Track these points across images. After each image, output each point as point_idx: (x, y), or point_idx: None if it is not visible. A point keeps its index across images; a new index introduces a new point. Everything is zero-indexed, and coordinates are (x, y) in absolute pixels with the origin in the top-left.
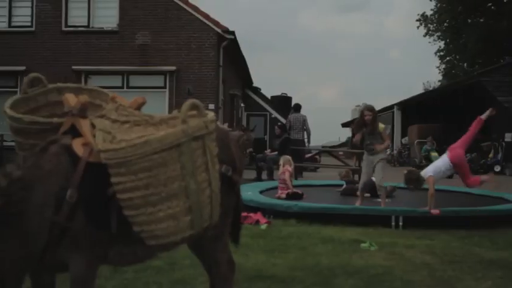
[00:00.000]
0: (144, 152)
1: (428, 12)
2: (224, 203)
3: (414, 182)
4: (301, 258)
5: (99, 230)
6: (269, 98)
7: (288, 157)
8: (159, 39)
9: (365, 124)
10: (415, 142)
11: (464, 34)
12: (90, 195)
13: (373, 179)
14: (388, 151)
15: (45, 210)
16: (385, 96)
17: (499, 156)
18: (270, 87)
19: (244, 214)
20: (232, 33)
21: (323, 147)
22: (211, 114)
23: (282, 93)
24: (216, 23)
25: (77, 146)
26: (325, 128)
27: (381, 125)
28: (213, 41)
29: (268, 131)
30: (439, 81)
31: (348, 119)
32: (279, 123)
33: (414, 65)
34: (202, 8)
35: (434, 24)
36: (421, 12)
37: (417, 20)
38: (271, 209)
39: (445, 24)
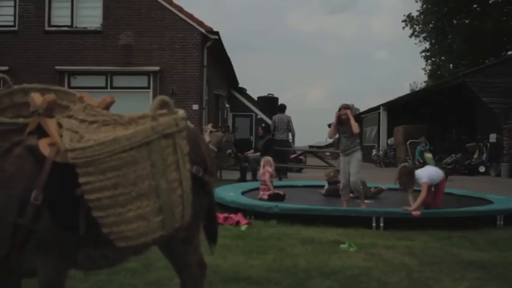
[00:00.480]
0: (113, 150)
1: (415, 13)
2: (195, 204)
3: (405, 177)
4: (279, 259)
5: (66, 233)
6: (255, 98)
7: (269, 158)
8: (143, 39)
9: (341, 123)
10: (408, 143)
11: (449, 35)
12: (56, 196)
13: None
14: (374, 151)
15: (6, 213)
16: (373, 97)
17: (484, 156)
18: (258, 88)
19: (224, 215)
20: (217, 33)
21: (310, 147)
22: (181, 112)
23: (269, 94)
24: (200, 23)
25: (43, 146)
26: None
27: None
28: (197, 41)
29: (254, 132)
30: (425, 82)
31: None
32: (262, 124)
33: (401, 66)
34: (189, 8)
35: (420, 25)
36: (408, 13)
37: (403, 21)
38: (252, 210)
39: (431, 25)
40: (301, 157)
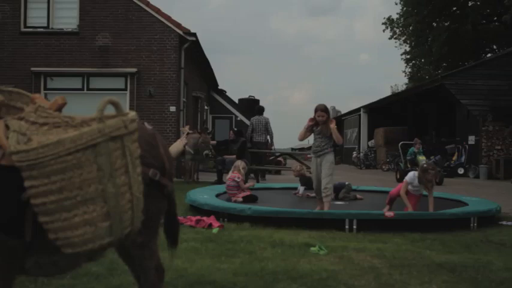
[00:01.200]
0: (57, 153)
1: (395, 16)
2: (152, 208)
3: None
4: (247, 262)
5: (11, 239)
6: (236, 100)
7: (239, 163)
8: (120, 40)
9: (317, 124)
10: (400, 144)
11: (429, 37)
12: (1, 201)
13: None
14: (355, 153)
15: None
16: (355, 99)
17: (463, 158)
18: (242, 90)
19: (197, 218)
20: (194, 35)
21: (292, 149)
22: (132, 114)
23: (250, 96)
24: (178, 25)
25: None
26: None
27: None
28: (175, 42)
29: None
30: (405, 84)
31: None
32: (234, 128)
33: (383, 69)
34: (172, 12)
35: (400, 28)
36: (388, 16)
37: (383, 24)
38: (225, 213)
39: (411, 27)
40: (281, 159)
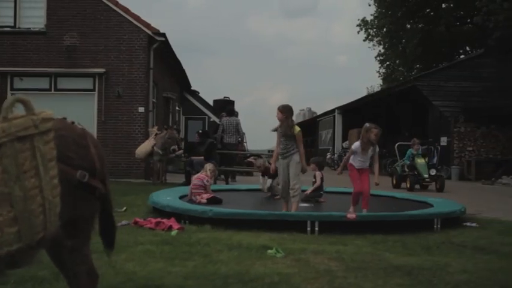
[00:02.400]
0: None
1: (369, 18)
2: (81, 211)
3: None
4: (201, 266)
5: None
6: (211, 101)
7: (210, 165)
8: (88, 40)
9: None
10: (396, 145)
11: (403, 39)
12: None
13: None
14: (329, 155)
15: None
16: (333, 99)
17: (435, 159)
18: (220, 91)
19: (157, 220)
20: (163, 35)
21: (269, 151)
22: (45, 113)
23: (225, 97)
24: (147, 25)
25: None
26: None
27: (297, 128)
28: (143, 43)
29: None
30: (380, 85)
31: None
32: (199, 130)
33: (360, 70)
34: (148, 12)
35: (374, 29)
36: (362, 17)
37: (357, 25)
38: (186, 215)
39: (384, 29)
40: (252, 160)
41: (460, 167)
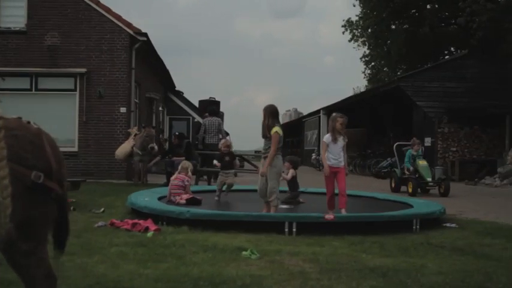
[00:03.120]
0: None
1: (354, 18)
2: (36, 213)
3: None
4: (173, 268)
5: None
6: (196, 101)
7: (188, 163)
8: (69, 40)
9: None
10: (394, 146)
11: (388, 40)
12: None
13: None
14: (314, 155)
15: None
16: (320, 100)
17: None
18: (207, 91)
19: (134, 221)
20: (145, 35)
21: (256, 152)
22: None
23: (210, 98)
24: (128, 25)
25: None
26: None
27: (274, 129)
28: (125, 42)
29: (191, 135)
30: (365, 86)
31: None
32: (176, 133)
33: (346, 71)
34: (135, 13)
35: (359, 30)
36: (347, 18)
37: (342, 26)
38: (164, 216)
39: (369, 29)
40: (237, 161)
41: (443, 168)
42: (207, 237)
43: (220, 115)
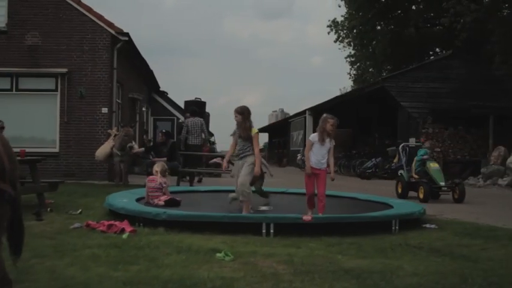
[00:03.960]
0: None
1: (340, 19)
2: None
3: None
4: (145, 270)
5: None
6: (175, 101)
7: (162, 164)
8: (50, 40)
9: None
10: (400, 147)
11: (374, 40)
12: None
13: None
14: (299, 156)
15: None
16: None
17: (404, 160)
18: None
19: (110, 222)
20: (127, 34)
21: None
22: None
23: (196, 98)
24: (110, 25)
25: None
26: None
27: (254, 130)
28: (107, 42)
29: (175, 136)
30: (351, 86)
31: (265, 124)
32: (163, 130)
33: (334, 71)
34: (122, 13)
35: (345, 31)
36: (332, 18)
37: (328, 26)
38: (140, 217)
39: (355, 30)
40: (220, 162)
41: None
42: (182, 238)
43: (206, 115)
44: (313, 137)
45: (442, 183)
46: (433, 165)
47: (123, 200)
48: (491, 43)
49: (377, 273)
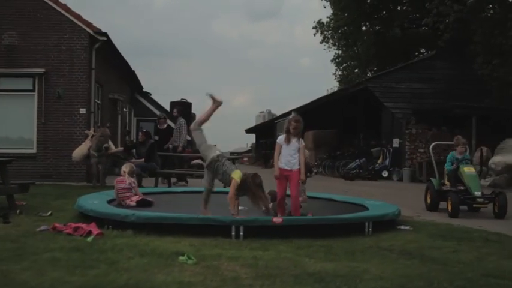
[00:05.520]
0: None
1: (325, 20)
2: None
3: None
4: (102, 274)
5: None
6: (159, 102)
7: (130, 166)
8: (27, 40)
9: None
10: (431, 147)
11: (359, 41)
12: None
13: None
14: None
15: None
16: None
17: (387, 161)
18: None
19: (77, 225)
20: (105, 34)
21: (231, 153)
22: None
23: (182, 99)
24: (88, 24)
25: None
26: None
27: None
28: (85, 42)
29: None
30: (337, 87)
31: (253, 124)
32: (143, 129)
33: (323, 72)
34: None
35: (330, 31)
36: (319, 19)
37: (313, 28)
38: (109, 219)
39: (340, 31)
40: (202, 163)
41: (411, 169)
42: (149, 241)
43: (192, 116)
44: (280, 139)
45: (478, 193)
46: (468, 170)
47: (94, 201)
48: (475, 43)
49: (341, 276)
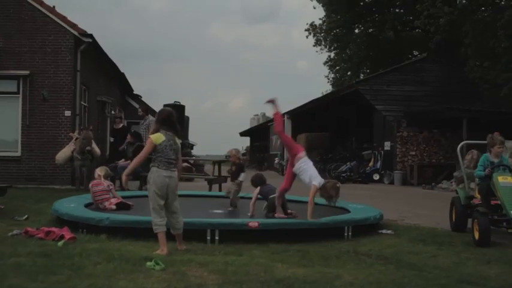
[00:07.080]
0: None
1: (318, 22)
2: None
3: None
4: (64, 281)
5: None
6: (149, 105)
7: (102, 169)
8: (12, 41)
9: None
10: (458, 147)
11: (351, 44)
12: None
13: None
14: (277, 159)
15: None
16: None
17: (378, 164)
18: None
19: (49, 229)
20: (90, 36)
21: (226, 156)
22: None
23: (175, 102)
24: (73, 26)
25: None
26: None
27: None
28: (70, 44)
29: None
30: (331, 90)
31: (247, 127)
32: (132, 131)
33: (318, 75)
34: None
35: (323, 34)
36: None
37: (306, 30)
38: (84, 223)
39: (332, 34)
40: (190, 165)
41: (403, 172)
42: (121, 246)
43: (185, 119)
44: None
45: None
46: (504, 181)
47: (71, 205)
48: (465, 46)
49: (311, 283)
